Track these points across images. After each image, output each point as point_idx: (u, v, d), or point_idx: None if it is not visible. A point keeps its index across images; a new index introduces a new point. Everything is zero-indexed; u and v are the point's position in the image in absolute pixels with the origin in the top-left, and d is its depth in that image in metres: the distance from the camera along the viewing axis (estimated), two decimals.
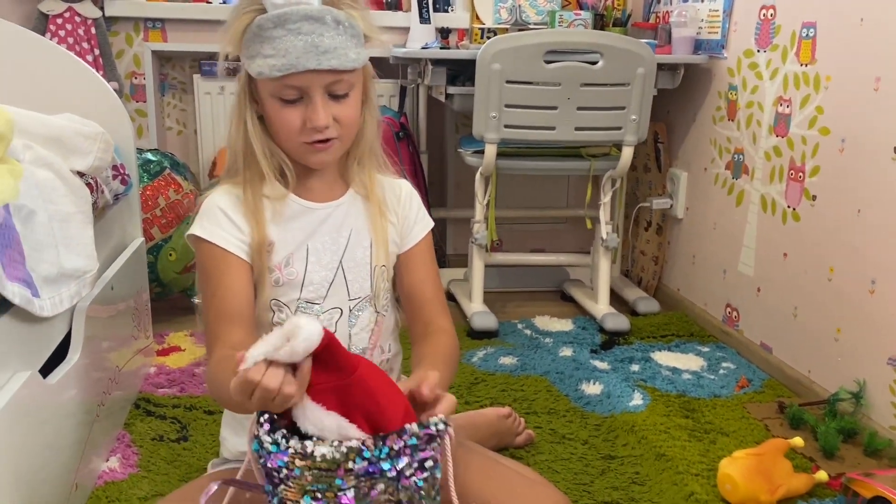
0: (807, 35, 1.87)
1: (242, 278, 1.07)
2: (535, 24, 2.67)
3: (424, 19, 2.58)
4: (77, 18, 2.38)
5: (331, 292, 1.12)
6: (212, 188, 1.13)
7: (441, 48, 2.36)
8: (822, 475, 1.49)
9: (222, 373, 0.91)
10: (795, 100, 1.92)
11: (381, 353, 1.18)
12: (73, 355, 1.36)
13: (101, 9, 2.43)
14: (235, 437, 1.17)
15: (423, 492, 0.86)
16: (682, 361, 2.08)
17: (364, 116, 1.11)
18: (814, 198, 1.87)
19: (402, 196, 1.20)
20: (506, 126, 2.11)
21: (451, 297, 2.53)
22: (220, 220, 1.07)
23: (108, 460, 1.51)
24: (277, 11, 0.99)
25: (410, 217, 1.20)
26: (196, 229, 1.08)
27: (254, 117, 1.07)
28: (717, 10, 2.25)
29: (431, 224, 1.22)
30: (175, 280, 2.23)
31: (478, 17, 2.71)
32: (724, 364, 2.07)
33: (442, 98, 2.35)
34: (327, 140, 1.05)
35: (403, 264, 1.19)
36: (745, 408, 1.81)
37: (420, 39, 2.55)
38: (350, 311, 1.13)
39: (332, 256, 1.12)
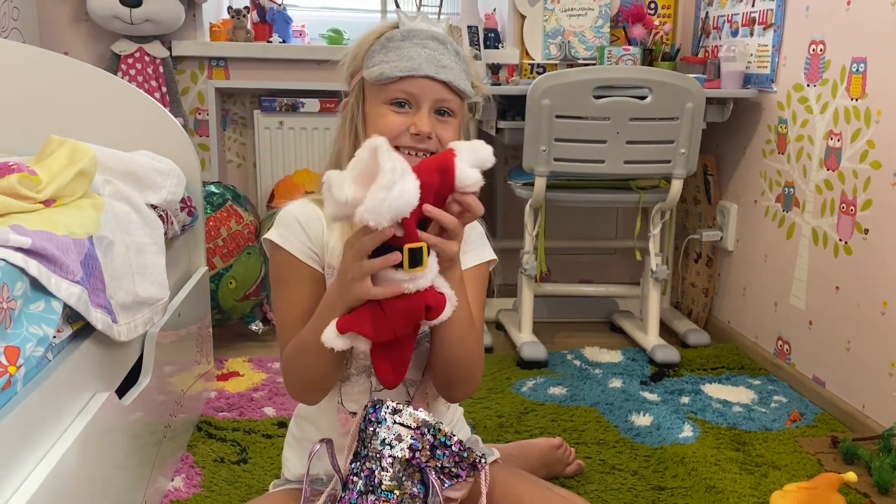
0: (857, 70, 1.89)
1: (310, 284, 1.11)
2: (584, 59, 2.72)
3: (476, 56, 2.66)
4: (147, 58, 2.51)
5: None
6: (275, 213, 1.20)
7: (492, 84, 2.43)
8: None
9: (298, 335, 1.04)
10: (846, 134, 1.93)
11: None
12: (145, 378, 1.44)
13: (169, 49, 2.56)
14: (297, 458, 1.22)
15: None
16: (733, 394, 2.07)
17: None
18: (866, 231, 1.87)
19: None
20: (555, 159, 2.15)
21: (500, 326, 2.57)
22: (294, 229, 1.12)
23: (173, 480, 1.58)
24: (409, 26, 1.08)
25: (467, 243, 1.20)
26: (270, 234, 1.13)
27: (364, 128, 1.12)
28: (767, 45, 2.28)
29: (489, 257, 1.22)
30: (234, 307, 2.31)
31: (527, 53, 2.77)
32: (776, 397, 2.06)
33: (492, 132, 2.41)
34: (420, 152, 1.08)
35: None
36: (798, 442, 1.80)
37: None
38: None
39: None
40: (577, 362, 2.30)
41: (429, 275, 0.94)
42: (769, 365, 2.27)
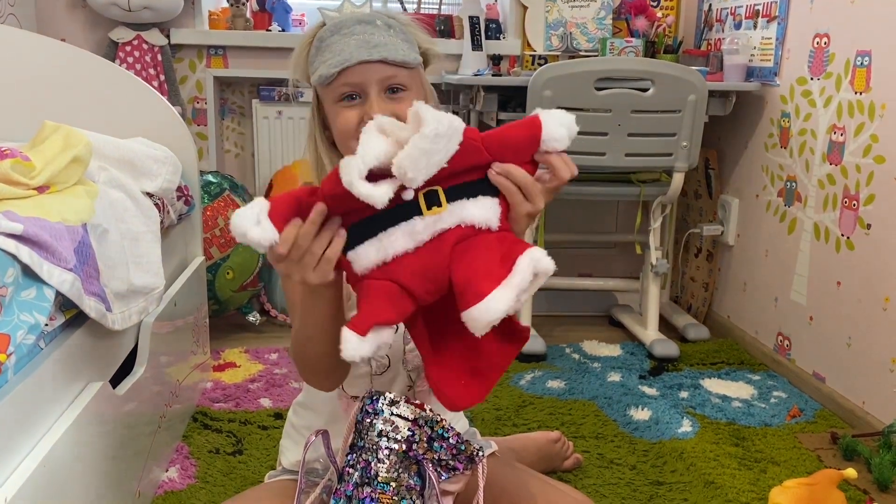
0: (861, 63, 1.87)
1: None
2: (586, 51, 2.70)
3: (476, 46, 2.63)
4: (145, 46, 2.49)
5: None
6: None
7: (493, 75, 2.41)
8: None
9: (297, 336, 1.02)
10: (850, 128, 1.91)
11: None
12: (139, 368, 1.42)
13: (167, 37, 2.53)
14: (296, 447, 1.21)
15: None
16: (732, 389, 2.06)
17: None
18: (868, 226, 1.85)
19: None
20: None
21: None
22: None
23: (167, 471, 1.57)
24: (334, 21, 1.05)
25: None
26: None
27: (321, 132, 1.12)
28: (770, 38, 2.26)
29: None
30: (231, 298, 2.30)
31: (529, 45, 2.75)
32: (776, 393, 2.05)
33: (493, 124, 2.39)
34: None
35: None
36: (797, 437, 1.79)
37: (472, 66, 2.59)
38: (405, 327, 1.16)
39: None
40: (576, 356, 2.29)
41: (447, 217, 0.85)
42: (769, 360, 2.26)
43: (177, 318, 1.70)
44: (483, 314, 0.81)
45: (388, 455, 0.96)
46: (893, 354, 1.77)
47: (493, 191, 0.89)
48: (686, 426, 1.82)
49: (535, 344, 2.26)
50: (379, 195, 0.81)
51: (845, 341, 1.94)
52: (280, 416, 1.83)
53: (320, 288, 0.90)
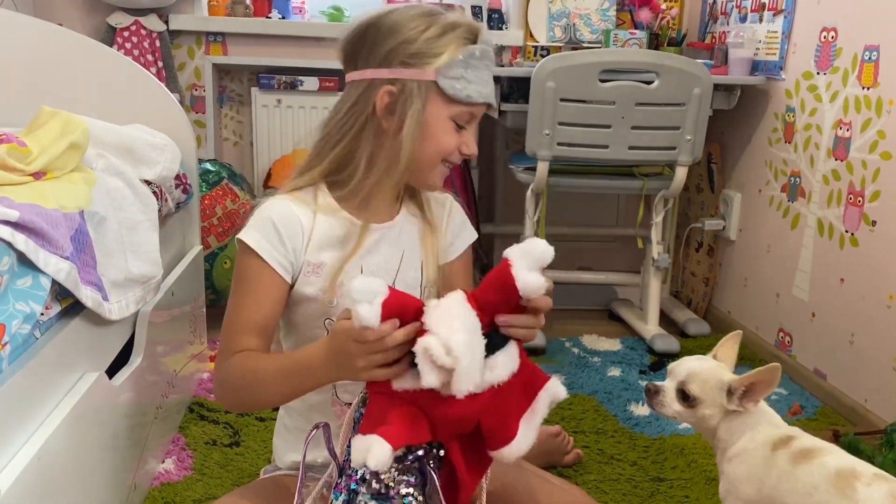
0: (869, 58, 1.85)
1: (274, 294, 1.08)
2: (590, 42, 2.68)
3: None
4: (143, 31, 2.46)
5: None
6: (271, 194, 1.14)
7: (495, 66, 2.38)
8: None
9: (254, 362, 1.02)
10: (856, 123, 1.89)
11: None
12: (136, 358, 1.40)
13: (166, 23, 2.50)
14: (287, 447, 1.19)
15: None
16: None
17: None
18: (873, 223, 1.84)
19: (448, 209, 1.22)
20: (559, 144, 2.11)
21: None
22: (269, 234, 1.08)
23: (163, 462, 1.55)
24: (483, 46, 1.07)
25: (453, 230, 1.21)
26: (244, 235, 1.08)
27: (378, 137, 1.08)
28: (776, 32, 2.24)
29: (475, 236, 1.24)
30: (229, 287, 2.27)
31: (532, 36, 2.72)
32: (777, 389, 2.03)
33: (495, 115, 2.35)
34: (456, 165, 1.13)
35: (445, 275, 1.19)
36: None
37: None
38: None
39: (385, 277, 1.09)
40: (576, 350, 2.27)
41: (504, 368, 0.91)
42: (770, 357, 2.24)
43: (174, 307, 1.68)
44: (512, 454, 0.93)
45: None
46: None
47: (504, 337, 0.93)
48: None
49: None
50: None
51: (848, 338, 1.92)
52: (277, 407, 1.81)
53: (343, 380, 0.98)
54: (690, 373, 1.20)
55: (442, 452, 0.96)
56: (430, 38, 1.05)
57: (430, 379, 0.84)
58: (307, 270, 1.09)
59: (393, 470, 0.94)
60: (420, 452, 0.94)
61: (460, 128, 1.08)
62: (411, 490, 0.95)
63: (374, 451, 0.85)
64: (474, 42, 1.06)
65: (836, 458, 1.06)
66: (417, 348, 0.84)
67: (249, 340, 1.06)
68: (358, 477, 0.95)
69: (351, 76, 1.11)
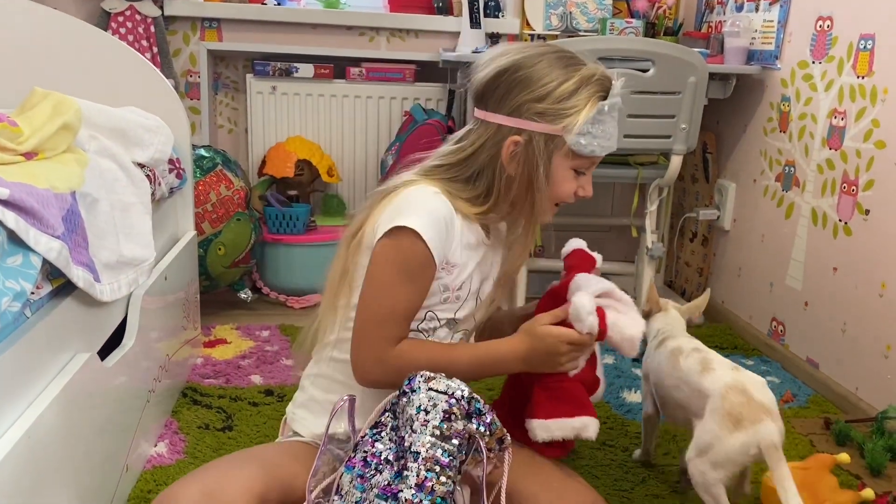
0: (864, 47, 1.85)
1: (430, 286, 1.13)
2: (586, 31, 2.67)
3: (475, 24, 2.60)
4: (137, 17, 2.45)
5: (470, 318, 1.23)
6: (419, 177, 1.17)
7: None
8: (868, 493, 1.46)
9: (442, 351, 1.13)
10: (851, 112, 1.90)
11: None
12: (129, 341, 1.40)
13: (161, 8, 2.49)
14: (315, 418, 1.19)
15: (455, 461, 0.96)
16: None
17: None
18: (867, 212, 1.84)
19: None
20: None
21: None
22: (441, 232, 1.10)
23: (156, 445, 1.55)
24: (612, 101, 1.12)
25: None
26: (418, 226, 1.07)
27: (532, 184, 1.14)
28: (772, 21, 2.23)
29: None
30: (223, 274, 2.27)
31: (528, 24, 2.71)
32: (769, 378, 2.03)
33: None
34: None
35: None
36: (790, 423, 1.78)
37: (470, 44, 2.56)
38: (465, 336, 1.25)
39: (485, 287, 1.22)
40: None
41: None
42: (763, 346, 2.25)
43: (167, 292, 1.68)
44: (599, 396, 1.25)
45: (425, 427, 0.95)
46: (888, 341, 1.76)
47: None
48: None
49: None
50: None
51: (840, 327, 1.93)
52: (271, 392, 1.81)
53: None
54: (658, 330, 1.53)
55: (480, 431, 0.98)
56: (563, 95, 1.09)
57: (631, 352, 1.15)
58: (442, 265, 1.14)
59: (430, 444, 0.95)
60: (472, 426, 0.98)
61: (580, 174, 1.15)
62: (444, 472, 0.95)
63: (591, 429, 1.12)
64: (605, 96, 1.11)
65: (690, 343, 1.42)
66: (619, 336, 1.12)
67: (405, 329, 1.12)
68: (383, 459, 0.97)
69: (481, 115, 1.16)
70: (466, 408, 0.96)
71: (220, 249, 2.23)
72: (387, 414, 1.02)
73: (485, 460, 0.96)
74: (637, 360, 2.11)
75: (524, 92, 1.10)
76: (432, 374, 1.00)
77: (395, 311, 1.10)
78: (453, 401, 0.96)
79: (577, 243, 1.34)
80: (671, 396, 1.38)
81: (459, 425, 0.95)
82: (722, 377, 1.27)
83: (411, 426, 0.95)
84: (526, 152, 1.11)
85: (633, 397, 1.87)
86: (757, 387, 1.26)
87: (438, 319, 1.17)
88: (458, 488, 0.96)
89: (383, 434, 1.01)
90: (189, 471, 1.45)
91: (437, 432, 0.94)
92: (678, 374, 1.35)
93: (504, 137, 1.12)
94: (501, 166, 1.13)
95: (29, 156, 1.17)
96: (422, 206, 1.11)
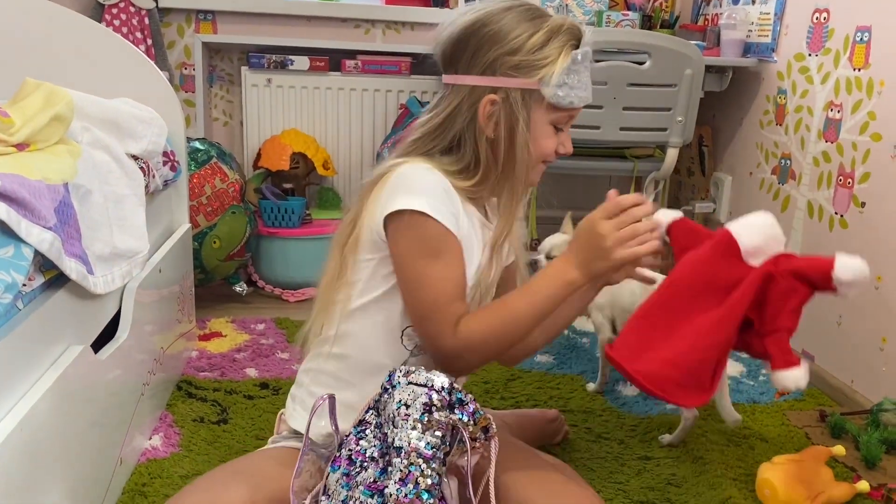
0: (861, 39, 1.84)
1: (461, 257, 1.09)
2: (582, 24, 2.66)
3: None
4: (132, 9, 2.43)
5: (472, 298, 1.16)
6: (406, 157, 1.13)
7: None
8: (863, 485, 1.46)
9: (503, 312, 1.07)
10: (847, 105, 1.89)
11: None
12: (122, 334, 1.39)
13: (155, 0, 2.47)
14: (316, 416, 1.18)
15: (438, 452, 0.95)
16: None
17: None
18: (863, 204, 1.84)
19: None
20: None
21: None
22: (442, 199, 1.07)
23: (150, 438, 1.55)
24: (586, 49, 1.08)
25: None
26: (420, 205, 1.04)
27: (512, 139, 1.10)
28: (769, 13, 2.23)
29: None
30: (218, 267, 2.27)
31: None
32: (764, 371, 2.04)
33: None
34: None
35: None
36: (786, 415, 1.79)
37: None
38: None
39: (479, 266, 1.17)
40: (565, 331, 2.27)
41: None
42: None
43: (162, 285, 1.67)
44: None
45: (406, 421, 0.94)
46: (883, 333, 1.77)
47: None
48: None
49: None
50: None
51: (835, 320, 1.93)
52: (266, 385, 1.81)
53: (598, 274, 1.07)
54: (552, 245, 1.79)
55: (463, 421, 0.97)
56: (535, 46, 1.06)
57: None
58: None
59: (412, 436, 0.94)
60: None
61: (559, 130, 1.12)
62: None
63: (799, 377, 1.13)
64: (577, 45, 1.08)
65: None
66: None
67: (461, 306, 1.08)
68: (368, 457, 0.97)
69: (451, 79, 1.11)
70: (448, 399, 0.95)
71: (215, 242, 2.22)
72: (370, 412, 1.01)
73: (468, 450, 0.95)
74: None
75: (495, 47, 1.06)
76: (411, 369, 0.98)
77: (437, 299, 1.05)
78: (433, 393, 0.95)
79: (672, 214, 1.21)
80: None
81: (441, 416, 0.94)
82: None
83: (393, 422, 0.95)
84: (504, 110, 1.07)
85: (629, 390, 1.87)
86: None
87: None
88: (445, 480, 0.95)
89: (367, 432, 1.00)
90: (184, 464, 1.46)
91: (419, 425, 0.93)
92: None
93: (479, 98, 1.08)
94: (480, 129, 1.09)
95: (21, 147, 1.16)
96: (417, 183, 1.08)
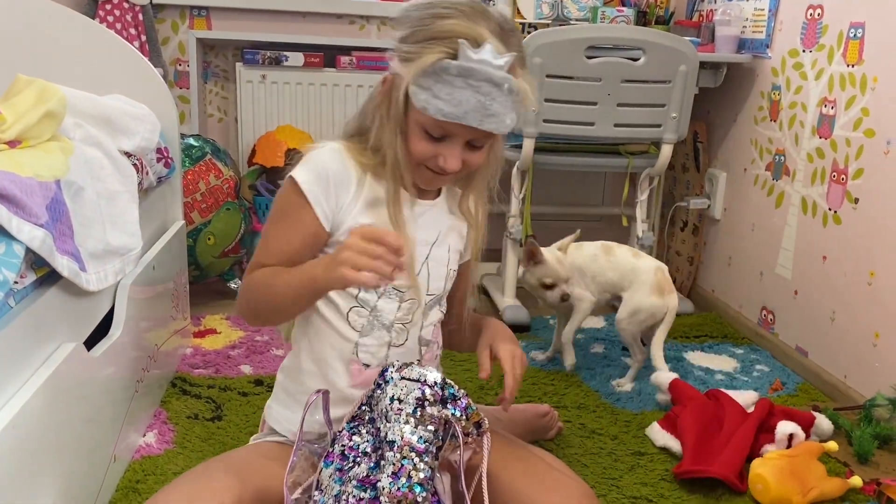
0: (855, 35, 1.85)
1: (308, 237, 1.11)
2: (577, 20, 2.66)
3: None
4: (125, 5, 2.42)
5: (420, 287, 1.17)
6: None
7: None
8: (856, 480, 1.47)
9: (273, 276, 1.08)
10: (840, 101, 1.90)
11: (438, 348, 1.25)
12: (116, 331, 1.39)
13: None
14: (291, 413, 1.19)
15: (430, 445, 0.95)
16: (716, 362, 2.06)
17: (488, 157, 1.15)
18: (856, 200, 1.84)
19: (480, 214, 1.25)
20: (545, 121, 2.11)
21: (483, 290, 2.54)
22: (322, 180, 1.10)
23: (145, 435, 1.55)
24: (466, 64, 1.00)
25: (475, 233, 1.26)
26: (298, 174, 1.11)
27: (398, 122, 1.09)
28: (763, 9, 2.23)
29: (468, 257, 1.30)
30: (213, 264, 2.26)
31: (519, 12, 2.70)
32: (758, 367, 2.05)
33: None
34: (444, 174, 1.10)
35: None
36: None
37: None
38: (425, 304, 1.19)
39: (422, 249, 1.17)
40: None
41: None
42: (752, 334, 2.26)
43: (156, 282, 1.67)
44: None
45: (399, 415, 0.94)
46: (877, 329, 1.77)
47: None
48: (668, 398, 1.81)
49: (518, 315, 2.25)
50: None
51: (829, 315, 1.94)
52: (261, 382, 1.81)
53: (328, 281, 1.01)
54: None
55: (456, 416, 0.96)
56: (420, 40, 1.04)
57: None
58: (353, 226, 1.10)
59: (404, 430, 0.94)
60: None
61: (434, 140, 1.06)
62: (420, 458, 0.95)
63: None
64: (452, 56, 1.01)
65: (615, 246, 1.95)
66: None
67: (268, 262, 1.11)
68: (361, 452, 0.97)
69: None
70: (440, 394, 0.96)
71: (209, 239, 2.22)
72: (364, 407, 1.02)
73: (461, 445, 0.95)
74: (627, 350, 2.11)
75: (401, 29, 1.07)
76: (405, 363, 1.00)
77: (264, 248, 1.12)
78: (426, 388, 0.95)
79: (669, 376, 1.74)
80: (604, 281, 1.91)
81: (434, 411, 0.95)
82: (650, 262, 1.90)
83: (386, 416, 0.95)
84: (388, 92, 1.08)
85: (624, 386, 1.87)
86: (667, 270, 1.90)
87: (374, 288, 1.12)
88: (438, 475, 0.96)
89: (360, 427, 1.00)
90: (178, 461, 1.46)
91: (412, 420, 0.94)
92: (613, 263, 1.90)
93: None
94: (376, 107, 1.11)
95: (12, 144, 1.16)
96: (308, 158, 1.12)
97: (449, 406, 0.96)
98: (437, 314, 1.22)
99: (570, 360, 1.92)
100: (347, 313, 1.14)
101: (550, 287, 1.85)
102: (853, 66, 1.85)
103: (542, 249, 1.87)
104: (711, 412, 1.62)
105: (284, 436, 1.19)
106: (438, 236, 1.19)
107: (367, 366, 1.15)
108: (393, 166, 1.10)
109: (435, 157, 1.07)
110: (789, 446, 1.52)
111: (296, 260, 1.10)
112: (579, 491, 1.12)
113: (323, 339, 1.16)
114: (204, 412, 1.66)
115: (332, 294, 1.13)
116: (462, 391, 0.98)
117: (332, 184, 1.11)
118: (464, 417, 0.96)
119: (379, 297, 1.14)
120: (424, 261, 1.17)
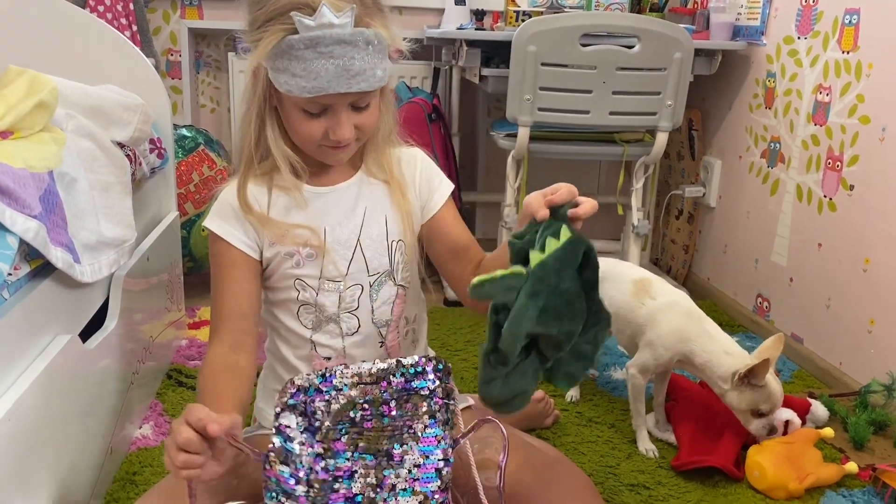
0: (850, 22, 1.84)
1: (246, 276, 1.10)
2: (571, 8, 2.65)
3: (459, 1, 2.57)
4: None
5: (351, 269, 1.13)
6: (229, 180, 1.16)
7: (475, 30, 2.35)
8: (851, 466, 1.47)
9: (208, 370, 1.07)
10: (836, 88, 1.89)
11: (406, 324, 1.20)
12: (111, 323, 1.39)
13: None
14: (270, 409, 1.19)
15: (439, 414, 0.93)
16: None
17: (381, 109, 1.11)
18: (851, 187, 1.84)
19: (419, 167, 1.20)
20: (540, 109, 2.10)
21: None
22: (227, 216, 1.10)
23: (140, 427, 1.54)
24: (309, 34, 0.95)
25: (430, 186, 1.20)
26: (207, 223, 1.12)
27: (272, 116, 1.06)
28: None
29: (451, 187, 1.22)
30: (207, 255, 2.25)
31: (513, 0, 2.69)
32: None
33: (476, 80, 2.34)
34: (345, 145, 1.07)
35: (435, 228, 1.19)
36: None
37: (455, 21, 2.54)
38: (370, 286, 1.15)
39: (349, 234, 1.13)
40: None
41: None
42: (748, 322, 2.26)
43: (150, 273, 1.66)
44: None
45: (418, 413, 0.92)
46: (872, 315, 1.78)
47: None
48: None
49: None
50: None
51: (824, 303, 1.94)
52: (256, 374, 1.80)
53: None
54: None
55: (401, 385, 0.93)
56: (260, 25, 0.99)
57: None
58: (270, 248, 1.10)
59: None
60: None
61: (315, 115, 1.03)
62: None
63: None
64: (293, 31, 0.96)
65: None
66: None
67: (235, 324, 1.09)
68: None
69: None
70: (403, 382, 0.92)
71: (203, 231, 2.20)
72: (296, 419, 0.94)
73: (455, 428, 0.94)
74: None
75: (247, 16, 1.02)
76: (343, 370, 0.93)
77: (216, 310, 1.10)
78: (394, 378, 0.92)
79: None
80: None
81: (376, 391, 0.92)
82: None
83: (395, 426, 0.92)
84: (254, 86, 1.05)
85: (620, 374, 1.88)
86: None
87: (309, 285, 1.11)
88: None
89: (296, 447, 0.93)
90: None
91: (432, 418, 0.92)
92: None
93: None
94: (248, 109, 1.07)
95: (4, 135, 1.14)
96: (212, 208, 1.12)
97: (384, 384, 0.91)
98: (389, 291, 1.15)
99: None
100: (297, 312, 1.14)
101: (763, 415, 1.46)
102: (848, 52, 1.85)
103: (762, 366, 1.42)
104: (706, 402, 1.62)
105: (271, 430, 1.19)
106: (365, 213, 1.14)
107: (329, 358, 1.15)
108: (284, 163, 1.08)
109: (325, 132, 1.04)
110: (785, 433, 1.52)
111: (248, 305, 1.10)
112: (576, 479, 1.12)
113: (283, 341, 1.17)
114: None
115: (281, 295, 1.13)
116: (423, 359, 0.92)
117: (234, 213, 1.10)
118: (411, 375, 0.92)
119: (318, 294, 1.12)
120: (356, 245, 1.13)
